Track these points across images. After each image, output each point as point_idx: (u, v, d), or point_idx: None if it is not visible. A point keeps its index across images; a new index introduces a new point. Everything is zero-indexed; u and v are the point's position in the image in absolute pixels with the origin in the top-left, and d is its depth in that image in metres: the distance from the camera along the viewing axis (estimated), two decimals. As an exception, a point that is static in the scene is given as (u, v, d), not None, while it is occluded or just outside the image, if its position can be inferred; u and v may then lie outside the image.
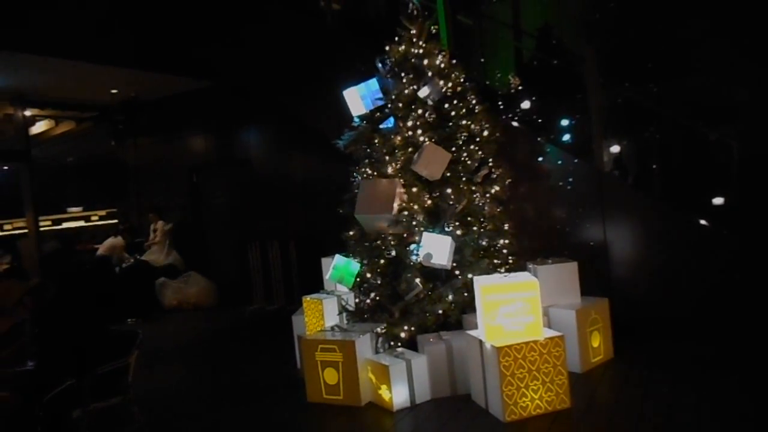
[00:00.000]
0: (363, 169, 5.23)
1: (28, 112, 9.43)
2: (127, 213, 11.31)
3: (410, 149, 4.97)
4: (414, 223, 4.80)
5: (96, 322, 3.99)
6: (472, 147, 5.09)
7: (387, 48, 5.23)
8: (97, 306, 4.69)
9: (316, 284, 5.72)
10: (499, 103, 6.92)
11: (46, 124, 10.73)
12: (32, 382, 3.60)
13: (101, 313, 4.43)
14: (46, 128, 10.80)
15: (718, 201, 6.31)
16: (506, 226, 5.17)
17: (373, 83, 5.20)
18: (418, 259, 4.69)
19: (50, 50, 7.31)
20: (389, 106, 5.14)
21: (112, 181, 11.52)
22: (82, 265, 9.29)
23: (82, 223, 11.80)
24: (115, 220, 11.59)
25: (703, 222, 5.30)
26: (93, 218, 11.89)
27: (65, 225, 11.64)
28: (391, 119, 5.13)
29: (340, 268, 5.10)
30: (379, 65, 5.26)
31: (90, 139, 11.46)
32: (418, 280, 4.71)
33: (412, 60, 5.14)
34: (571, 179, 5.82)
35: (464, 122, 5.10)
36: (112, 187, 11.59)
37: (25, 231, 9.51)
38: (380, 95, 5.18)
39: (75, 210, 11.94)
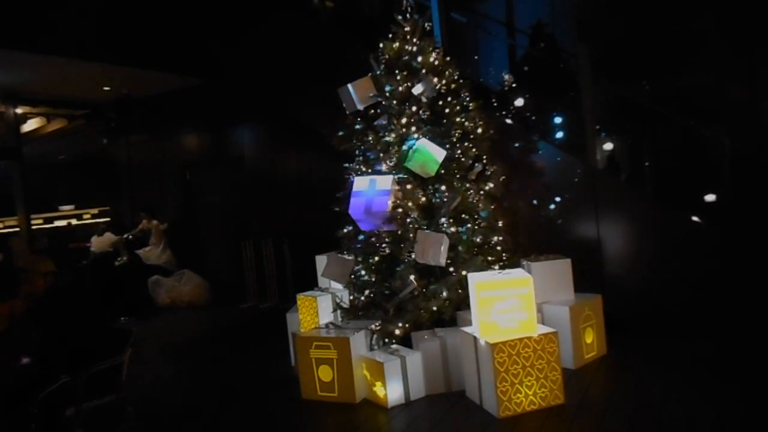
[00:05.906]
0: (357, 167, 5.23)
1: (19, 110, 9.36)
2: (117, 210, 11.25)
3: (404, 146, 4.96)
4: (408, 220, 4.80)
5: (99, 320, 3.97)
6: (466, 144, 5.10)
7: (381, 45, 5.23)
8: (102, 303, 4.64)
9: (310, 282, 5.71)
10: (493, 100, 6.94)
11: (38, 121, 10.67)
12: (27, 379, 3.58)
13: (104, 311, 4.38)
14: (37, 126, 10.73)
15: (710, 198, 6.35)
16: (500, 223, 5.18)
17: None
18: (413, 256, 4.69)
19: (42, 47, 7.25)
20: (383, 103, 5.14)
21: (105, 179, 11.45)
22: (79, 263, 9.24)
23: (74, 221, 11.73)
24: (107, 218, 11.54)
25: (695, 219, 5.33)
26: (85, 216, 11.81)
27: (57, 223, 11.56)
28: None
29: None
30: (373, 62, 5.26)
31: (82, 136, 11.40)
32: (412, 277, 4.71)
33: (406, 57, 5.14)
34: (564, 176, 5.84)
35: (458, 119, 5.12)
36: (105, 185, 11.53)
37: (17, 229, 9.46)
38: None
39: (67, 208, 11.86)
